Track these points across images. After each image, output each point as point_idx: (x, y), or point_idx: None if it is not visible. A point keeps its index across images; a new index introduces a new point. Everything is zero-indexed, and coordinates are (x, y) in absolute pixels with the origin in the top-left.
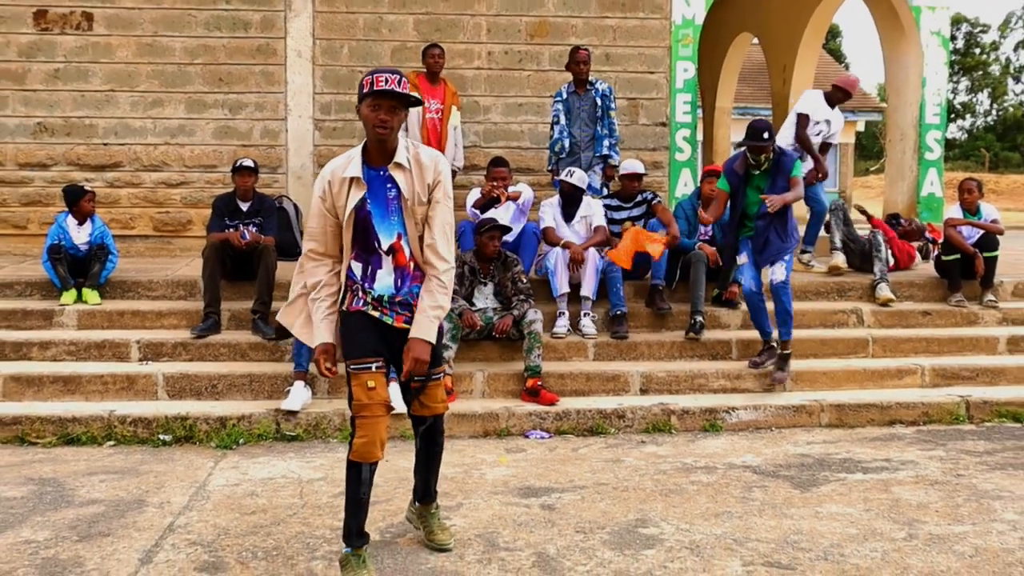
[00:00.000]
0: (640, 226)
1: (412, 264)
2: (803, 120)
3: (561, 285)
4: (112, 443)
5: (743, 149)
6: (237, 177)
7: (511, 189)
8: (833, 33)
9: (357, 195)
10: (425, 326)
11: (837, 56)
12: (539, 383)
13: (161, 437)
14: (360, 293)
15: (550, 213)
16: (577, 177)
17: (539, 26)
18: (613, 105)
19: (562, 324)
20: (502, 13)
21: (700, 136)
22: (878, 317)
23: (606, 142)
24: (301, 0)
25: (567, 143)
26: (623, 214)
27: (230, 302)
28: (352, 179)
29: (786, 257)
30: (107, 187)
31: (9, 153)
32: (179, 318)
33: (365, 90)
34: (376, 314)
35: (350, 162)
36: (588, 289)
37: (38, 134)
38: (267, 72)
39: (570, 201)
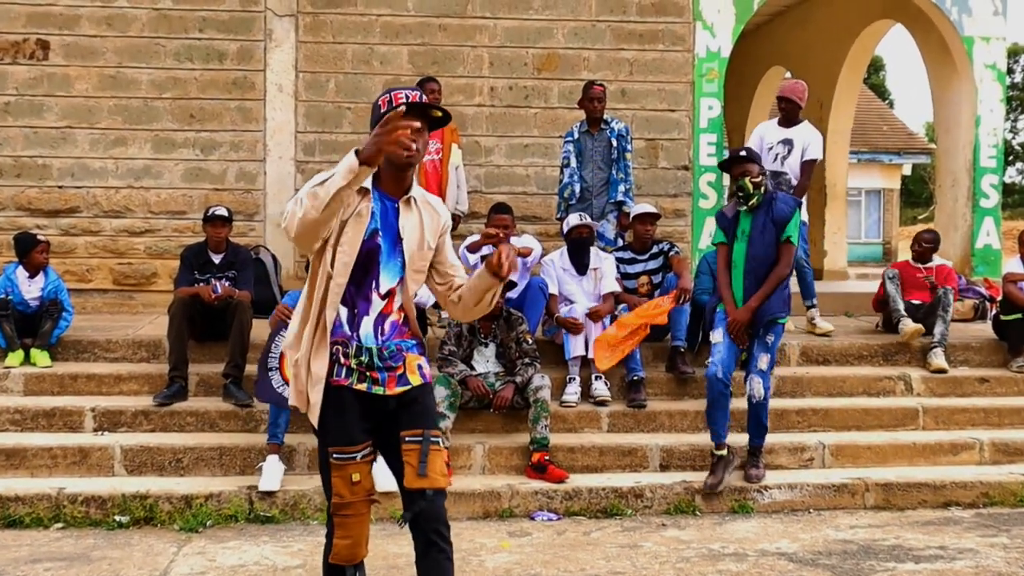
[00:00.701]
0: (658, 280)
1: (402, 314)
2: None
3: (574, 347)
4: (61, 525)
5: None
6: (209, 227)
7: (519, 243)
8: (876, 66)
9: (366, 218)
10: None
11: (880, 92)
12: (546, 457)
13: (117, 518)
14: (342, 358)
15: (553, 272)
16: (591, 221)
17: (547, 59)
18: (630, 147)
19: (572, 391)
20: (506, 44)
21: (726, 180)
22: (929, 384)
23: (621, 187)
24: (283, 29)
25: (578, 188)
26: (638, 267)
27: (199, 365)
28: (364, 192)
29: (769, 347)
30: (62, 235)
31: None
32: (140, 383)
33: (384, 109)
34: (363, 387)
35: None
36: None
37: None
38: (244, 108)
39: (579, 251)
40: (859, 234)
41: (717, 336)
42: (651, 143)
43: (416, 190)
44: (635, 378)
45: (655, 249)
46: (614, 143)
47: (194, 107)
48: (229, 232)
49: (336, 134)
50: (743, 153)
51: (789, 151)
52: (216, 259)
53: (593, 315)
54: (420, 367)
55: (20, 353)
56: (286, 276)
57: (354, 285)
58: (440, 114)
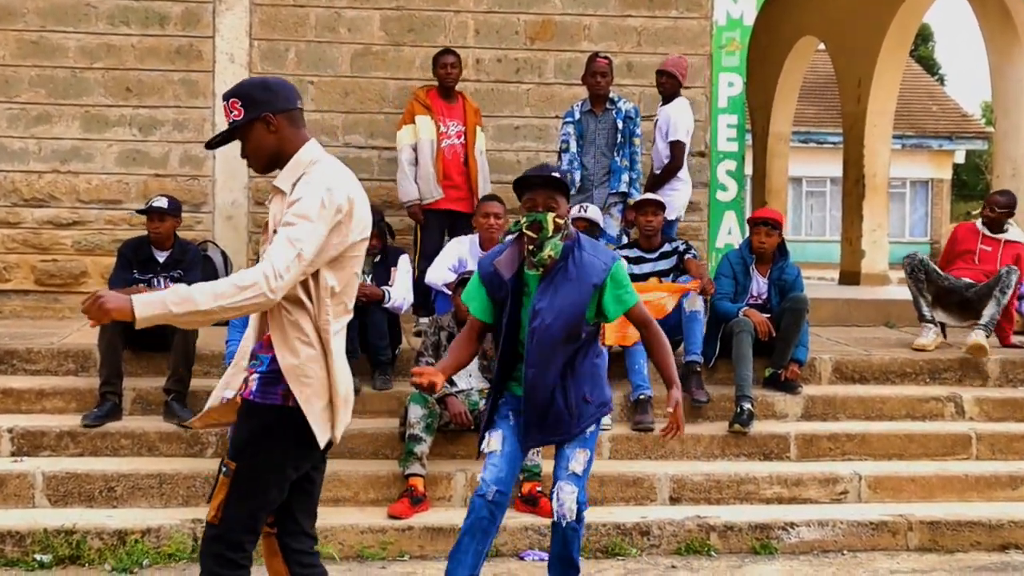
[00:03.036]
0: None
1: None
2: None
3: None
4: None
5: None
6: (148, 221)
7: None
8: (924, 37)
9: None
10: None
11: (928, 66)
12: (538, 488)
13: (38, 557)
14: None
15: None
16: (592, 212)
17: (542, 27)
18: (639, 130)
19: None
20: (494, 10)
21: (749, 169)
22: (984, 407)
23: (626, 176)
24: None
25: (578, 176)
26: (646, 268)
27: (135, 379)
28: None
29: (587, 439)
30: None
31: None
32: (67, 399)
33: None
34: None
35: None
36: None
37: None
38: (189, 81)
39: None
40: (903, 232)
41: (493, 442)
42: None
43: (285, 178)
44: (641, 396)
45: (667, 247)
46: (620, 125)
47: (131, 79)
48: (176, 226)
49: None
50: (554, 174)
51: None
52: (160, 256)
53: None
54: (247, 380)
55: None
56: None
57: None
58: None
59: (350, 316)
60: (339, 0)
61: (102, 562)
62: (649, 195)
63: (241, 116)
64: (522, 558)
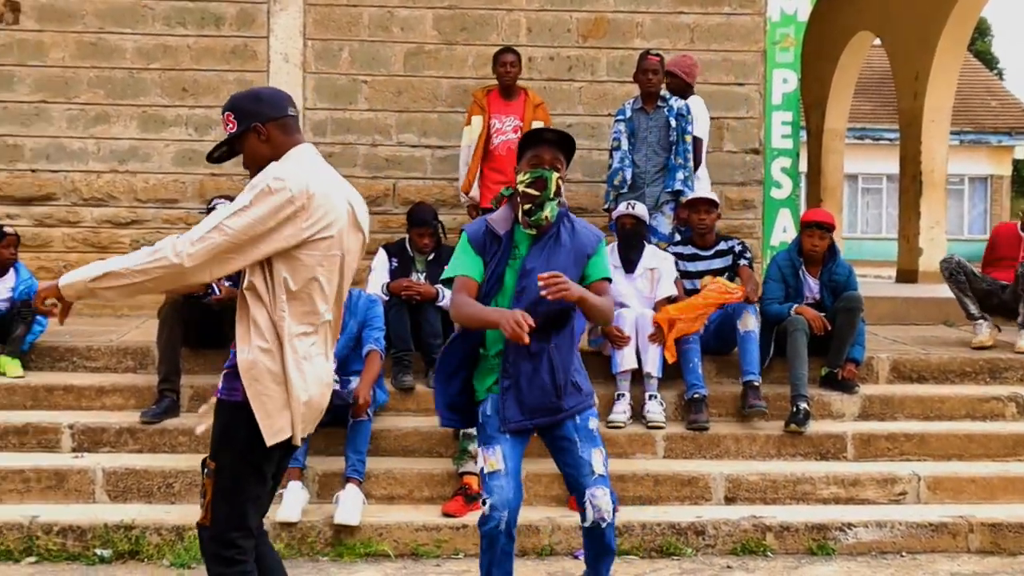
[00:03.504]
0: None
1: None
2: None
3: (623, 360)
4: (33, 559)
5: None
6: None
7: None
8: (981, 30)
9: None
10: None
11: (987, 60)
12: None
13: (98, 552)
14: None
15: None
16: (640, 209)
17: (595, 24)
18: (691, 127)
19: (621, 409)
20: (547, 8)
21: (804, 166)
22: None
23: (680, 174)
24: None
25: (629, 174)
26: (700, 265)
27: (193, 376)
28: None
29: (595, 437)
30: (35, 226)
31: None
32: (126, 396)
33: None
34: None
35: None
36: (653, 365)
37: None
38: (244, 81)
39: (630, 244)
40: (961, 229)
41: (493, 459)
42: (715, 123)
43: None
44: (696, 395)
45: (722, 246)
46: (672, 123)
47: (187, 79)
48: None
49: (350, 111)
50: (550, 136)
51: None
52: None
53: (651, 338)
54: (219, 384)
55: None
56: None
57: None
58: None
59: (322, 322)
60: (392, 0)
61: (160, 557)
62: (703, 193)
63: (235, 128)
64: (576, 556)
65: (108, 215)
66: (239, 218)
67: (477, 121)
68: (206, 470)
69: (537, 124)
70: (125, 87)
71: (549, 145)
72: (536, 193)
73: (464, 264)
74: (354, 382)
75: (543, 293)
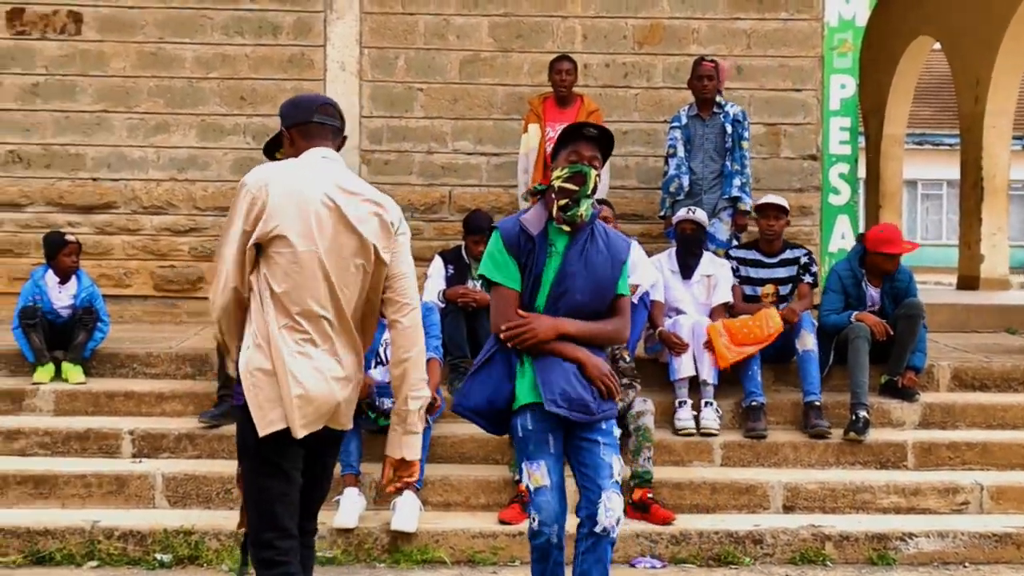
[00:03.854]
0: (786, 291)
1: None
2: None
3: (681, 367)
4: (95, 563)
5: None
6: None
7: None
8: None
9: None
10: None
11: None
12: (649, 495)
13: (158, 557)
14: None
15: (660, 275)
16: (700, 215)
17: (650, 30)
18: (747, 133)
19: (687, 416)
20: (602, 15)
21: (862, 173)
22: None
23: (736, 180)
24: None
25: (686, 181)
26: (763, 272)
27: None
28: None
29: (614, 442)
30: (96, 233)
31: None
32: (185, 402)
33: None
34: None
35: None
36: (709, 372)
37: (9, 165)
38: (301, 89)
39: (689, 249)
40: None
41: (538, 474)
42: (772, 128)
43: None
44: (754, 403)
45: (788, 255)
46: (728, 129)
47: (245, 88)
48: None
49: (407, 119)
50: (591, 131)
51: None
52: None
53: (706, 345)
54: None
55: (50, 368)
56: None
57: None
58: None
59: (315, 318)
60: (448, 7)
61: (220, 562)
62: (772, 198)
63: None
64: (633, 565)
65: (167, 223)
66: (226, 237)
67: (534, 129)
68: (238, 475)
69: None
70: (184, 96)
71: (588, 141)
72: (574, 188)
73: (500, 270)
74: None
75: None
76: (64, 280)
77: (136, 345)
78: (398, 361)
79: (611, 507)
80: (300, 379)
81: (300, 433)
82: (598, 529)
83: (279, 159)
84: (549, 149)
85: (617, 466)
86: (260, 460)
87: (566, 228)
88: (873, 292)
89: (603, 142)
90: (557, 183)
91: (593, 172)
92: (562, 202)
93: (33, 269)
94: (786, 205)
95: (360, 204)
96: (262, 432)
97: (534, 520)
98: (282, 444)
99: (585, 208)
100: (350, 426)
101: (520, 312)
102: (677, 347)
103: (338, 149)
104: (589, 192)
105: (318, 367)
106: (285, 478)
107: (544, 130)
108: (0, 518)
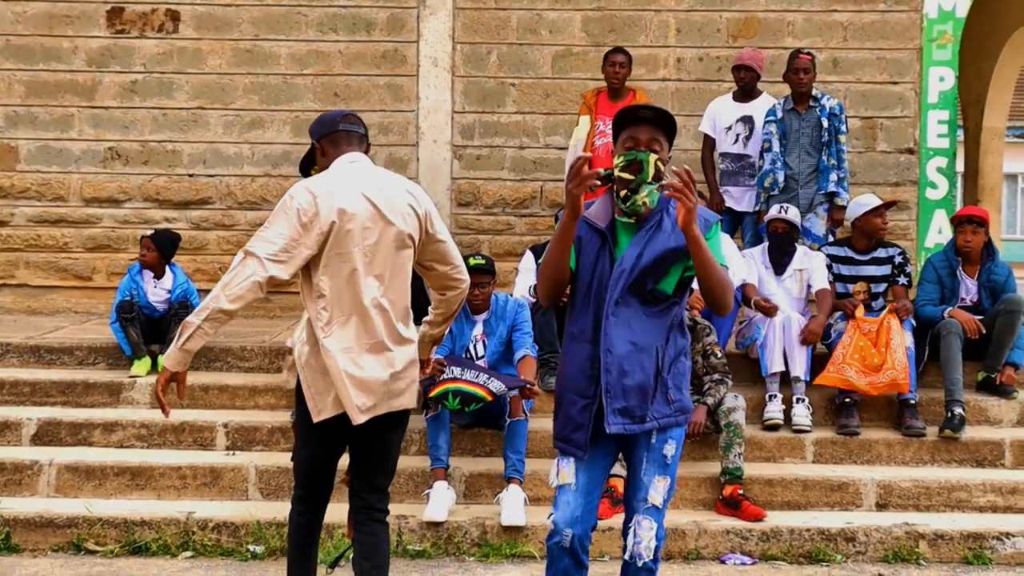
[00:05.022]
0: (878, 290)
1: None
2: (707, 142)
3: (773, 362)
4: (189, 554)
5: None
6: None
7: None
8: None
9: None
10: None
11: None
12: (740, 491)
13: (251, 548)
14: None
15: (752, 265)
16: (792, 213)
17: (745, 24)
18: (844, 127)
19: (775, 409)
20: (696, 8)
21: (960, 166)
22: None
23: (833, 175)
24: None
25: (781, 176)
26: (854, 270)
27: None
28: None
29: (668, 465)
30: (192, 229)
31: (73, 185)
32: (278, 396)
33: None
34: None
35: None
36: (800, 367)
37: (109, 162)
38: (394, 85)
39: (781, 247)
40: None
41: (566, 471)
42: (868, 122)
43: None
44: (847, 400)
45: (881, 253)
46: (825, 123)
47: (339, 84)
48: None
49: (499, 114)
50: (649, 114)
51: (751, 130)
52: None
53: (806, 338)
54: None
55: (147, 361)
56: None
57: None
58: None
59: (360, 309)
60: (540, 2)
61: None
62: (874, 202)
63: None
64: (723, 561)
65: (261, 218)
66: (259, 240)
67: (584, 120)
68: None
69: None
70: (279, 93)
71: (646, 123)
72: (631, 177)
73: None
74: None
75: (666, 193)
76: (159, 275)
77: (230, 339)
78: (443, 320)
79: (639, 535)
80: (355, 370)
81: (359, 419)
82: (626, 556)
83: (313, 175)
84: (599, 143)
85: (659, 488)
86: (302, 430)
87: (629, 220)
88: (970, 283)
89: (663, 123)
90: (615, 172)
91: (652, 157)
92: (622, 193)
93: (130, 265)
94: (892, 202)
95: (395, 198)
96: (316, 419)
97: (549, 518)
98: (333, 427)
99: (647, 195)
100: (412, 405)
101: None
102: (769, 310)
103: (365, 153)
104: (649, 179)
105: (368, 360)
106: (324, 446)
107: (595, 123)
108: (99, 508)
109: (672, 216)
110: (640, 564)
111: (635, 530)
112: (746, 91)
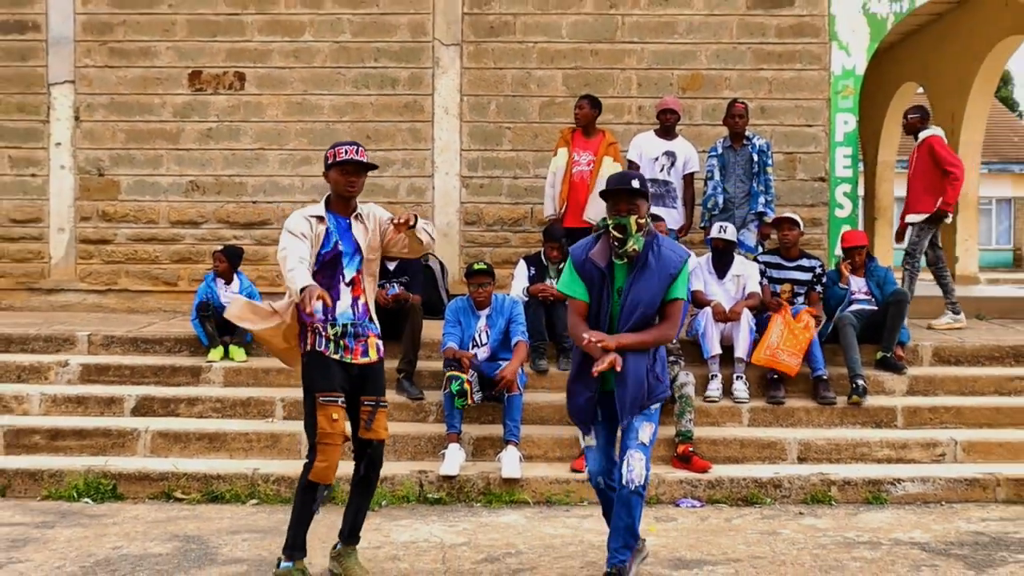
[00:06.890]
0: (801, 291)
1: (365, 298)
2: (633, 167)
3: (712, 346)
4: (255, 501)
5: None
6: None
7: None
8: (1005, 80)
9: (320, 230)
10: None
11: (1009, 105)
12: (691, 449)
13: None
14: (321, 332)
15: (699, 273)
16: (730, 232)
17: (692, 79)
18: (771, 161)
19: (715, 387)
20: (653, 67)
21: (861, 191)
22: None
23: (762, 199)
24: (449, 57)
25: (721, 199)
26: (783, 274)
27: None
28: (317, 217)
29: (651, 414)
30: (255, 244)
31: (162, 211)
32: None
33: (330, 160)
34: (336, 356)
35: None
36: (741, 350)
37: (190, 192)
38: (414, 129)
39: (722, 258)
40: (990, 241)
41: (589, 437)
42: (789, 156)
43: (362, 208)
44: (775, 376)
45: (805, 263)
46: (755, 158)
47: (370, 129)
48: None
49: (497, 151)
50: (635, 184)
51: (672, 163)
52: (390, 266)
53: (733, 313)
54: (378, 346)
55: (220, 349)
56: (452, 281)
57: (327, 276)
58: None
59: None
60: (530, 63)
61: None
62: (788, 214)
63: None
64: (678, 505)
65: None
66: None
67: (562, 152)
68: (385, 404)
69: (608, 160)
70: (323, 136)
71: (623, 195)
72: (621, 236)
73: (573, 286)
74: (503, 366)
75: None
76: (228, 281)
77: None
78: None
79: (631, 464)
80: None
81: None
82: (622, 483)
83: None
84: (574, 171)
85: (646, 431)
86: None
87: (623, 261)
88: (861, 282)
89: (637, 192)
90: (609, 229)
91: (633, 218)
92: (615, 243)
93: (206, 274)
94: (798, 219)
95: (369, 214)
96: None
97: (586, 469)
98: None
99: (633, 243)
100: (376, 358)
101: (591, 333)
102: (721, 315)
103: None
104: (633, 233)
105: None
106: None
107: (571, 155)
108: (184, 466)
109: (655, 255)
110: (632, 488)
111: (628, 461)
112: (667, 130)
